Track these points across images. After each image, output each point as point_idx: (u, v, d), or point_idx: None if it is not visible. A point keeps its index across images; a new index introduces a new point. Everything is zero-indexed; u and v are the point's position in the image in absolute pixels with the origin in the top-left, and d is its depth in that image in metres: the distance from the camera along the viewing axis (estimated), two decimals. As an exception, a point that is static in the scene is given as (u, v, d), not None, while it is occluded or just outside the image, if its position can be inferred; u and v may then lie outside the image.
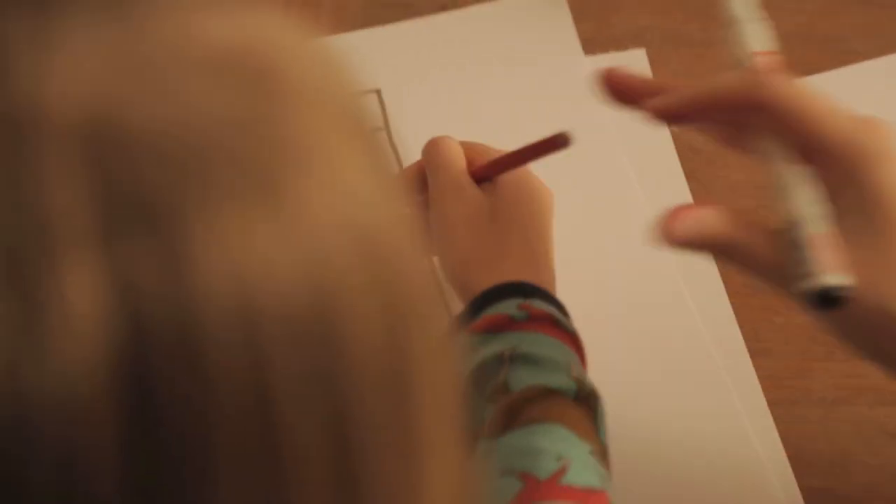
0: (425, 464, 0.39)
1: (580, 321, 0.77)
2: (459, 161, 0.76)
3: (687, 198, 0.85)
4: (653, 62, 0.92)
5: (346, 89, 0.41)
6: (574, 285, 0.80)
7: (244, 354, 0.35)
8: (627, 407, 0.75)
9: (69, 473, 0.34)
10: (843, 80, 0.91)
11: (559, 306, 0.72)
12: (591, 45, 0.92)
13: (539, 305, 0.70)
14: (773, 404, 0.76)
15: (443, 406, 0.40)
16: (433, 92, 0.90)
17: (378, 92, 0.90)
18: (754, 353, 0.78)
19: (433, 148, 0.77)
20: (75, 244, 0.34)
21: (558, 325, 0.70)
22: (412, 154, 0.87)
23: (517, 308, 0.70)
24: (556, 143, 0.72)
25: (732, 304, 0.80)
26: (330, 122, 0.39)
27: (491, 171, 0.76)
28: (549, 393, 0.67)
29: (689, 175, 0.86)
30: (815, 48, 0.93)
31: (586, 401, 0.68)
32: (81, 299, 0.34)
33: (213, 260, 0.35)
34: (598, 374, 0.74)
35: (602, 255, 0.82)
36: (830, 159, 0.56)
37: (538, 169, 0.78)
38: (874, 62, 0.92)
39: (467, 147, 0.78)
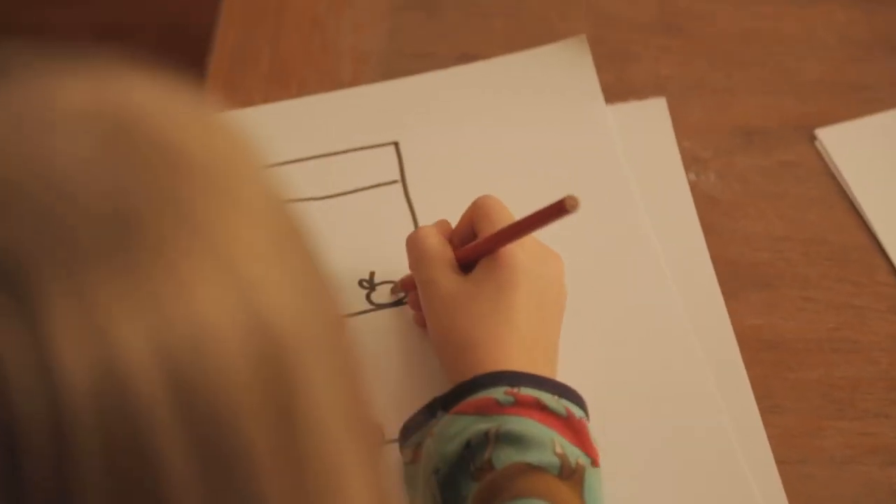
0: (334, 493, 0.40)
1: (590, 377, 0.77)
2: (436, 252, 0.76)
3: (703, 249, 0.84)
4: (673, 111, 0.91)
5: (240, 159, 0.40)
6: (585, 339, 0.80)
7: (115, 426, 0.35)
8: (630, 463, 0.75)
9: None
10: (869, 128, 0.89)
11: (556, 388, 0.71)
12: (610, 94, 0.92)
13: (526, 391, 0.70)
14: (781, 463, 0.75)
15: (349, 436, 0.40)
16: (453, 144, 0.90)
17: (396, 144, 0.90)
18: (765, 410, 0.77)
19: (410, 242, 0.77)
20: None
21: (545, 409, 0.70)
22: (429, 207, 0.87)
23: (503, 394, 0.70)
24: (559, 209, 0.72)
25: (744, 358, 0.79)
26: (211, 191, 0.38)
27: (482, 250, 0.75)
28: (531, 469, 0.67)
29: (707, 226, 0.85)
30: (840, 96, 0.91)
31: (571, 476, 0.67)
32: None
33: (75, 334, 0.34)
34: (603, 428, 0.73)
35: (615, 307, 0.82)
36: None
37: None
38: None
39: (465, 223, 0.78)
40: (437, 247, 0.76)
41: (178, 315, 0.36)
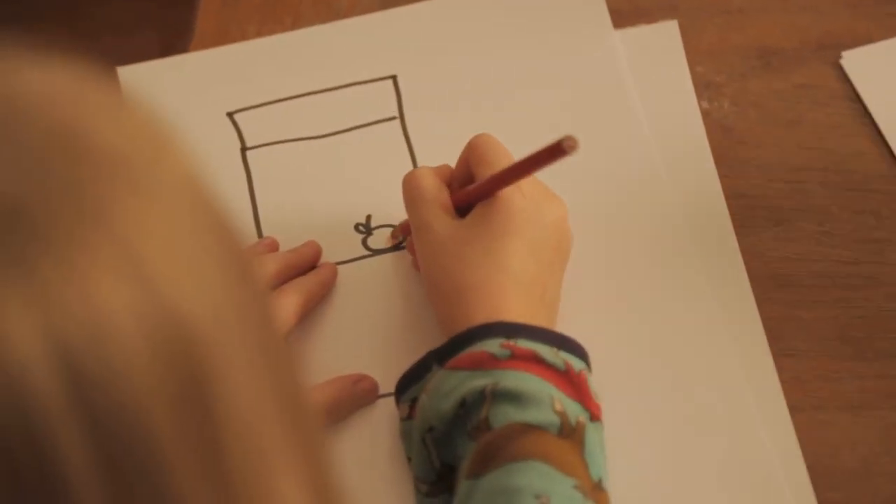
0: (262, 481, 0.38)
1: (594, 325, 0.74)
2: (431, 194, 0.73)
3: (715, 182, 0.80)
4: (685, 33, 0.86)
5: (150, 140, 0.38)
6: (590, 284, 0.76)
7: (10, 421, 0.34)
8: (634, 413, 0.72)
9: None
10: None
11: (555, 339, 0.68)
12: (620, 17, 0.87)
13: (523, 344, 0.67)
14: (794, 409, 0.71)
15: (276, 423, 0.39)
16: (453, 76, 0.86)
17: (394, 78, 0.86)
18: (777, 353, 0.73)
19: (405, 183, 0.74)
20: None
21: (542, 362, 0.66)
22: (429, 145, 0.84)
23: (499, 346, 0.66)
24: (557, 150, 0.68)
25: (756, 297, 0.75)
26: (113, 173, 0.36)
27: (479, 193, 0.72)
28: (529, 429, 0.64)
29: (719, 157, 0.81)
30: (864, 13, 0.86)
31: (571, 435, 0.64)
32: None
33: None
34: (606, 378, 0.70)
35: (623, 243, 0.78)
36: None
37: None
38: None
39: (462, 166, 0.74)
40: (433, 189, 0.73)
41: (73, 307, 0.34)
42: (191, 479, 0.36)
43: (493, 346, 0.67)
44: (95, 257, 0.35)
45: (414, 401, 0.69)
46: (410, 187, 0.74)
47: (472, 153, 0.74)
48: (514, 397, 0.65)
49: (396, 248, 0.79)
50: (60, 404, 0.34)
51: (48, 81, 0.37)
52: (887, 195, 0.79)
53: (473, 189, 0.72)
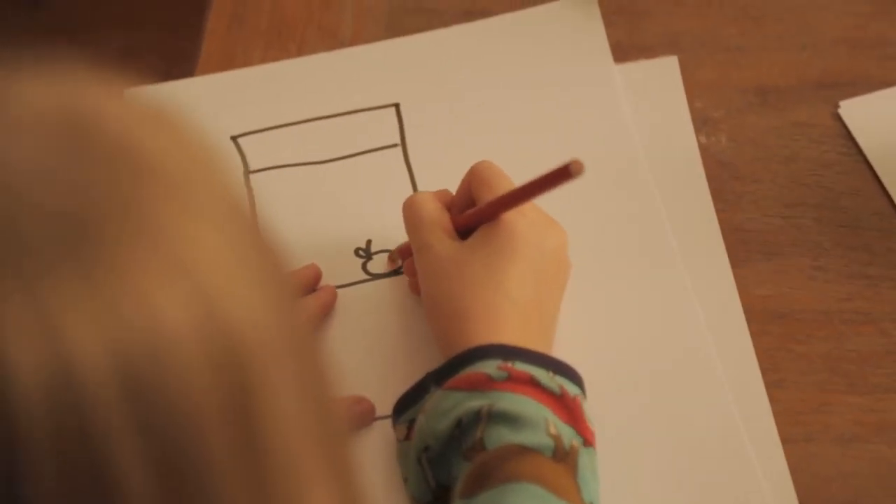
0: (298, 497, 0.39)
1: (590, 352, 0.75)
2: (432, 217, 0.74)
3: (711, 215, 0.81)
4: (685, 69, 0.88)
5: (197, 161, 0.39)
6: (587, 312, 0.77)
7: (69, 434, 0.34)
8: (629, 441, 0.72)
9: None
10: (892, 99, 0.85)
11: (551, 363, 0.69)
12: (620, 51, 0.89)
13: (520, 367, 0.68)
14: (786, 441, 0.72)
15: (313, 439, 0.40)
16: (455, 105, 0.87)
17: (396, 106, 0.87)
18: (770, 385, 0.74)
19: (406, 207, 0.75)
20: None
21: (538, 386, 0.67)
22: (429, 172, 0.84)
23: (496, 368, 0.67)
24: (563, 174, 0.69)
25: (751, 329, 0.76)
26: (168, 193, 0.37)
27: (481, 217, 0.73)
28: (523, 451, 0.65)
29: (716, 191, 0.82)
30: (859, 54, 0.88)
31: (565, 458, 0.65)
32: None
33: (30, 337, 0.34)
34: (601, 405, 0.71)
35: (619, 274, 0.79)
36: None
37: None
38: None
39: (463, 191, 0.75)
40: (433, 212, 0.74)
41: (133, 318, 0.35)
42: (235, 487, 0.37)
43: (490, 367, 0.68)
44: (156, 271, 0.36)
45: (412, 422, 0.70)
46: (411, 211, 0.75)
47: (475, 178, 0.75)
48: (509, 419, 0.66)
49: (396, 272, 0.80)
50: (119, 414, 0.35)
51: (107, 99, 0.38)
52: (881, 232, 0.80)
53: (476, 212, 0.73)
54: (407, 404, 0.71)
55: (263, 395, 0.38)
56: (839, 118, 0.84)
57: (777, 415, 0.73)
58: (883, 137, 0.83)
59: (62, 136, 0.36)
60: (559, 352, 0.72)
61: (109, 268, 0.35)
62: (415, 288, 0.78)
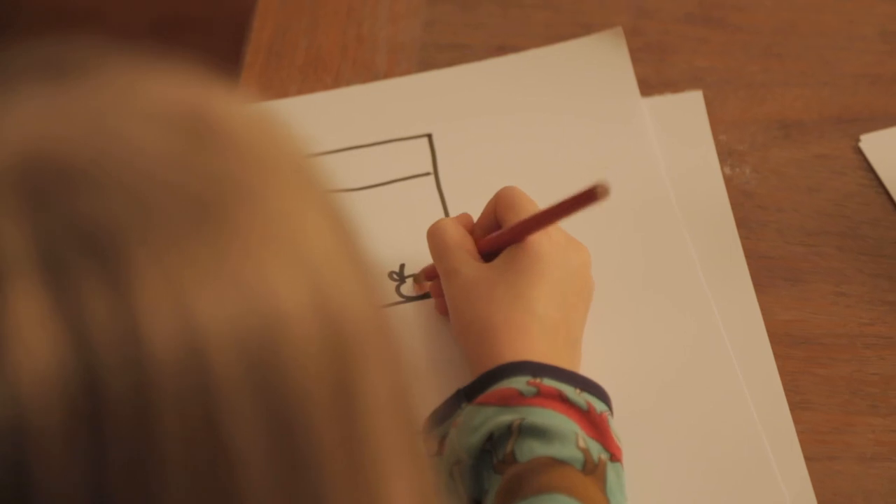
0: (381, 475, 0.41)
1: (616, 372, 0.77)
2: (456, 242, 0.76)
3: (736, 243, 0.83)
4: (710, 103, 0.90)
5: (301, 158, 0.42)
6: (613, 333, 0.79)
7: (193, 400, 0.37)
8: (656, 458, 0.74)
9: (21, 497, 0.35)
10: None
11: (578, 381, 0.71)
12: (647, 86, 0.91)
13: (548, 383, 0.70)
14: (810, 459, 0.74)
15: (394, 423, 0.42)
16: (486, 136, 0.90)
17: (429, 136, 0.90)
18: (794, 406, 0.76)
19: (431, 234, 0.78)
20: (21, 275, 0.35)
21: (567, 401, 0.69)
22: (461, 200, 0.87)
23: (526, 384, 0.70)
24: (589, 196, 0.71)
25: (775, 353, 0.78)
26: (281, 183, 0.40)
27: (508, 239, 0.75)
28: (554, 464, 0.67)
29: (741, 220, 0.85)
30: (880, 90, 0.90)
31: (594, 471, 0.67)
32: (34, 336, 0.35)
33: (161, 307, 0.36)
34: (628, 423, 0.73)
35: (644, 302, 0.81)
36: None
37: (582, 214, 0.77)
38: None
39: (487, 215, 0.78)
40: (458, 236, 0.77)
41: (255, 297, 0.37)
42: (336, 467, 0.39)
43: (520, 383, 0.70)
44: (273, 253, 0.38)
45: (444, 437, 0.72)
46: (436, 237, 0.78)
47: (500, 202, 0.77)
48: (539, 433, 0.68)
49: (427, 295, 0.82)
50: (240, 390, 0.37)
51: (216, 96, 0.41)
52: (901, 260, 0.82)
53: (501, 234, 0.76)
54: (439, 419, 0.73)
55: (363, 382, 0.40)
56: (860, 151, 0.87)
57: (801, 434, 0.75)
58: (902, 168, 0.86)
59: (188, 129, 0.39)
60: (586, 372, 0.74)
61: (233, 248, 0.38)
62: (441, 308, 0.80)
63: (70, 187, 0.37)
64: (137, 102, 0.40)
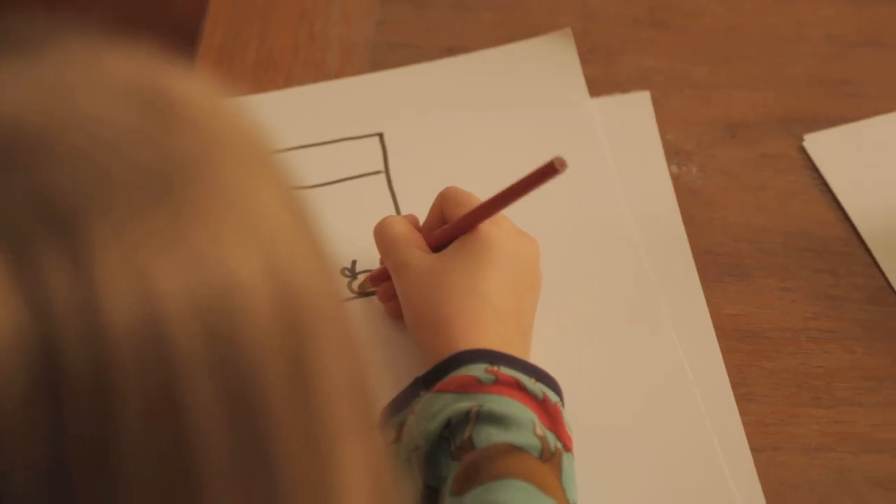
0: (335, 448, 0.42)
1: (565, 363, 0.77)
2: (404, 236, 0.77)
3: (683, 240, 0.84)
4: (657, 104, 0.92)
5: (258, 139, 0.43)
6: (561, 325, 0.80)
7: (152, 371, 0.37)
8: (605, 447, 0.75)
9: None
10: (854, 134, 0.89)
11: (533, 371, 0.72)
12: (595, 86, 0.92)
13: (506, 371, 0.71)
14: (756, 450, 0.75)
15: (348, 398, 0.43)
16: (437, 136, 0.91)
17: (380, 136, 0.91)
18: (741, 398, 0.77)
19: (377, 233, 0.79)
20: None
21: (524, 389, 0.70)
22: (412, 198, 0.88)
23: (484, 372, 0.70)
24: (547, 171, 0.72)
25: (721, 347, 0.79)
26: (239, 160, 0.41)
27: (458, 230, 0.76)
28: (512, 450, 0.67)
29: (688, 217, 0.86)
30: (824, 92, 0.92)
31: (550, 459, 0.68)
32: None
33: (121, 278, 0.37)
34: (577, 414, 0.74)
35: (595, 294, 0.82)
36: None
37: (532, 210, 0.78)
38: (893, 116, 0.90)
39: (433, 214, 0.79)
40: (405, 231, 0.78)
41: (214, 271, 0.38)
42: (289, 429, 0.40)
43: (478, 370, 0.70)
44: (231, 229, 0.39)
45: (402, 425, 0.73)
46: (383, 233, 0.79)
47: (445, 200, 0.78)
48: (497, 419, 0.68)
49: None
50: (198, 359, 0.38)
51: (175, 76, 0.42)
52: (844, 256, 0.84)
53: (451, 226, 0.76)
54: (396, 408, 0.74)
55: (319, 360, 0.41)
56: (804, 150, 0.89)
57: (747, 426, 0.76)
58: (844, 168, 0.87)
59: (149, 103, 0.40)
60: (537, 363, 0.75)
61: (192, 221, 0.38)
62: (392, 313, 0.80)
63: (31, 158, 0.37)
64: (98, 77, 0.40)
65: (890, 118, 0.90)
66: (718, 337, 0.80)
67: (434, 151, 0.90)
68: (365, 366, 0.45)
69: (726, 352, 0.79)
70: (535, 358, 0.76)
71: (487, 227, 0.75)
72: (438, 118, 0.92)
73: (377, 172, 0.89)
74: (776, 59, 0.94)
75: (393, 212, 0.87)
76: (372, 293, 0.83)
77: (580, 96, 0.92)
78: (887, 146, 0.88)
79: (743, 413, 0.77)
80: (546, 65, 0.93)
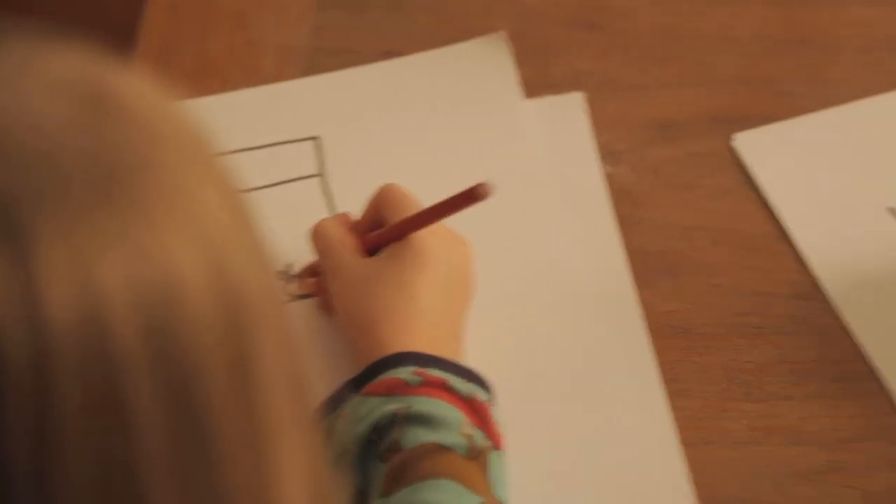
0: (273, 445, 0.43)
1: (498, 361, 0.79)
2: (339, 239, 0.78)
3: (616, 239, 0.86)
4: (591, 105, 0.93)
5: (201, 139, 0.44)
6: (495, 324, 0.81)
7: (93, 365, 0.38)
8: (538, 443, 0.76)
9: None
10: (782, 132, 0.91)
11: (462, 371, 0.73)
12: (530, 88, 0.94)
13: (433, 373, 0.72)
14: (687, 444, 0.77)
15: (287, 395, 0.43)
16: (374, 139, 0.92)
17: (317, 139, 0.92)
18: (673, 394, 0.79)
19: (313, 234, 0.80)
20: None
21: (451, 390, 0.71)
22: (349, 201, 0.88)
23: (411, 374, 0.71)
24: (471, 196, 0.73)
25: (655, 343, 0.81)
26: (180, 156, 0.42)
27: (392, 236, 0.77)
28: (439, 450, 0.68)
29: (621, 217, 0.87)
30: (753, 91, 0.94)
31: (478, 457, 0.69)
32: None
33: (62, 273, 0.37)
34: (509, 411, 0.75)
35: (528, 291, 0.83)
36: None
37: (466, 212, 0.79)
38: (820, 115, 0.92)
39: (369, 213, 0.80)
40: (340, 234, 0.79)
41: (155, 266, 0.39)
42: (230, 420, 0.41)
43: (405, 373, 0.71)
44: (173, 225, 0.39)
45: (331, 428, 0.74)
46: (318, 236, 0.80)
47: (383, 200, 0.79)
48: (425, 420, 0.69)
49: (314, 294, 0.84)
50: (139, 354, 0.38)
51: (115, 72, 0.42)
52: (772, 254, 0.85)
53: (385, 232, 0.77)
54: (327, 411, 0.74)
55: (255, 348, 0.42)
56: (733, 150, 0.90)
57: (679, 421, 0.78)
58: (773, 167, 0.89)
59: (90, 99, 0.40)
60: (470, 363, 0.76)
61: (134, 217, 0.39)
62: (325, 307, 0.81)
63: None
64: (39, 73, 0.41)
65: (817, 117, 0.92)
66: (651, 334, 0.81)
67: (371, 154, 0.91)
68: (303, 364, 0.46)
69: (659, 348, 0.81)
70: (470, 357, 0.77)
71: (420, 233, 0.76)
72: (375, 121, 0.92)
73: (313, 176, 0.90)
74: (707, 58, 0.96)
75: (328, 214, 0.88)
76: (308, 296, 0.83)
77: (514, 98, 0.93)
78: (814, 144, 0.90)
79: (675, 408, 0.78)
80: (481, 67, 0.94)
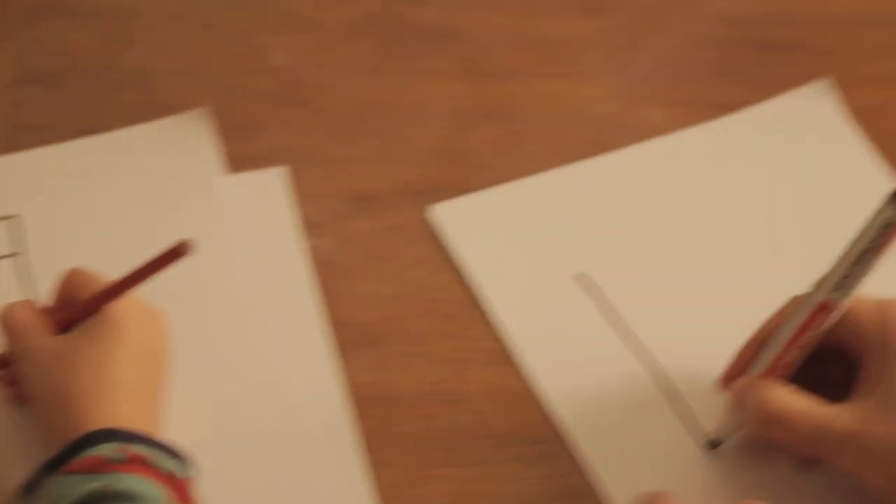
0: None
1: (200, 433, 0.80)
2: (28, 320, 0.78)
3: (317, 312, 0.88)
4: (294, 178, 0.95)
5: None
6: (194, 392, 0.82)
7: None
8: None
9: None
10: (475, 202, 0.96)
11: (162, 447, 0.74)
12: (234, 163, 0.95)
13: (136, 449, 0.72)
14: (390, 513, 0.79)
15: None
16: (75, 216, 0.91)
17: (16, 217, 0.91)
18: (373, 463, 0.81)
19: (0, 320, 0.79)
20: None
21: (153, 467, 0.72)
22: (53, 278, 0.88)
23: (113, 450, 0.72)
24: (173, 254, 0.75)
25: (355, 414, 0.83)
26: None
27: (86, 310, 0.77)
28: None
29: (324, 289, 0.89)
30: (448, 162, 0.98)
31: None
32: None
33: None
34: (214, 480, 0.76)
35: (224, 367, 0.85)
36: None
37: (161, 286, 0.79)
38: (511, 185, 0.97)
39: (59, 298, 0.80)
40: (28, 315, 0.79)
41: None
42: None
43: (107, 450, 0.72)
44: None
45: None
46: (4, 320, 0.79)
47: (71, 283, 0.80)
48: (127, 498, 0.70)
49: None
50: None
51: None
52: (468, 322, 0.89)
53: (80, 306, 0.77)
54: (25, 493, 0.73)
55: None
56: (429, 221, 0.94)
57: (381, 490, 0.80)
58: (466, 236, 0.93)
59: None
60: (173, 432, 0.77)
61: None
62: (16, 398, 0.81)
63: None
64: None
65: (507, 187, 0.96)
66: (352, 404, 0.84)
67: (74, 231, 0.91)
68: None
69: (359, 419, 0.83)
70: (170, 429, 0.78)
71: (114, 306, 0.77)
72: (77, 199, 0.92)
73: (9, 255, 0.89)
74: (404, 132, 1.00)
75: (33, 295, 0.87)
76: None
77: (213, 173, 0.94)
78: (505, 214, 0.95)
79: (378, 477, 0.81)
80: (180, 143, 0.95)
